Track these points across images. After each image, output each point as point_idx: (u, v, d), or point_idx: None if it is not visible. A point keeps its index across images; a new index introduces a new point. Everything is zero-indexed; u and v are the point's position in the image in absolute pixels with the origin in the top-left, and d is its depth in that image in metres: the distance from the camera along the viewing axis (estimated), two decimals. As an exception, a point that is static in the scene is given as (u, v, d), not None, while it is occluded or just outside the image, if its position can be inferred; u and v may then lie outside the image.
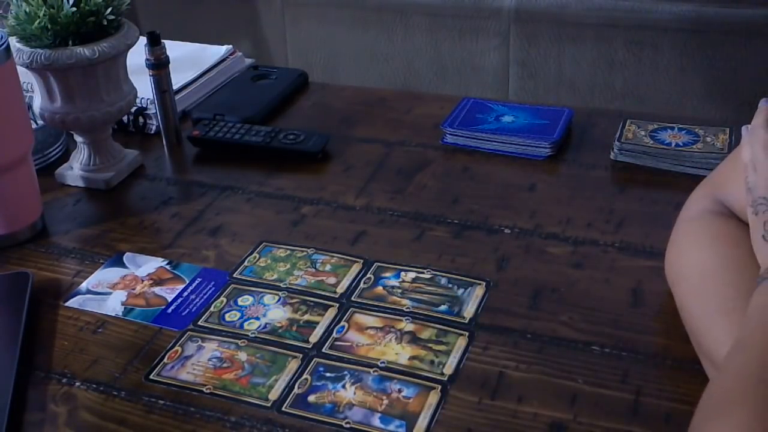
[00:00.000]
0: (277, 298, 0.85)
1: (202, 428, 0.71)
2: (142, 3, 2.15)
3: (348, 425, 0.70)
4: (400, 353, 0.77)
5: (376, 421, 0.70)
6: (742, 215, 0.73)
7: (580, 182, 1.02)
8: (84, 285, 0.89)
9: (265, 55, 2.17)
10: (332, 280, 0.87)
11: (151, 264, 0.91)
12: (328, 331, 0.80)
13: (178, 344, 0.80)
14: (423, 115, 1.20)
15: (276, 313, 0.83)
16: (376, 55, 2.06)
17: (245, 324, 0.81)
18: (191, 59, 1.30)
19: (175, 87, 1.16)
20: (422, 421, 0.70)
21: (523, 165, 1.06)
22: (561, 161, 1.06)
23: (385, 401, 0.72)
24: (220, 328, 0.81)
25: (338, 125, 1.18)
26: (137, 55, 1.06)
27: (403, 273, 0.87)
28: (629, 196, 0.99)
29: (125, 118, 1.18)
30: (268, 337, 0.80)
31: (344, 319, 0.81)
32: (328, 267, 0.89)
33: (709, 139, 1.04)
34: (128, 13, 1.02)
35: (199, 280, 0.88)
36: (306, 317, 0.82)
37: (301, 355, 0.77)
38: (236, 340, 0.79)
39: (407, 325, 0.80)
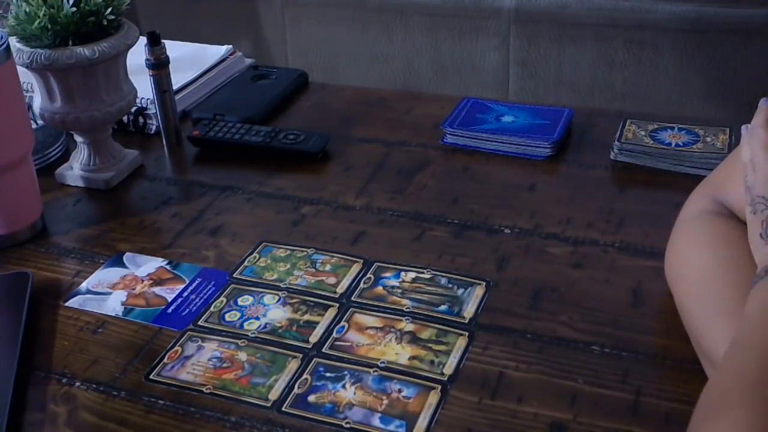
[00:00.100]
0: (277, 298, 0.85)
1: (202, 428, 0.71)
2: (142, 3, 2.15)
3: (348, 425, 0.70)
4: (400, 353, 0.77)
5: (376, 421, 0.70)
6: (741, 215, 0.73)
7: (580, 182, 1.02)
8: (84, 285, 0.89)
9: (265, 55, 2.17)
10: (332, 280, 0.87)
11: (151, 264, 0.91)
12: (328, 331, 0.80)
13: (178, 344, 0.80)
14: (423, 115, 1.20)
15: (276, 313, 0.83)
16: (376, 55, 2.06)
17: (245, 324, 0.81)
18: (191, 59, 1.30)
19: (175, 87, 1.16)
20: (422, 421, 0.70)
21: (523, 165, 1.06)
22: (561, 161, 1.06)
23: (385, 401, 0.72)
24: (220, 328, 0.81)
25: (338, 125, 1.18)
26: (137, 55, 1.06)
27: (403, 273, 0.87)
28: (629, 196, 0.99)
29: (125, 118, 1.18)
30: (268, 337, 0.80)
31: (344, 319, 0.81)
32: (328, 267, 0.89)
33: (709, 139, 1.04)
34: (128, 13, 1.02)
35: (199, 280, 0.88)
36: (306, 317, 0.82)
37: (301, 355, 0.77)
38: (236, 340, 0.79)
39: (407, 325, 0.80)
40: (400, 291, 0.84)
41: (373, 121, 1.20)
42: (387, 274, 0.87)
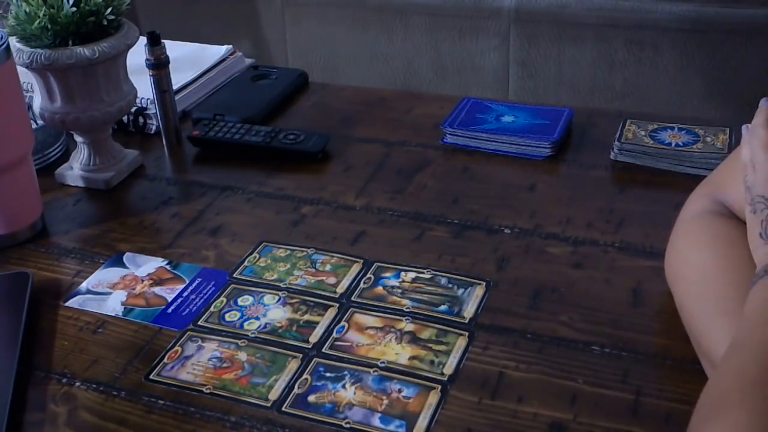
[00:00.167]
0: (277, 298, 0.85)
1: (202, 428, 0.71)
2: (142, 3, 2.15)
3: (348, 425, 0.70)
4: (400, 353, 0.77)
5: (376, 421, 0.70)
6: (741, 215, 0.73)
7: (580, 182, 1.02)
8: (84, 285, 0.89)
9: (265, 55, 2.17)
10: (332, 280, 0.87)
11: (151, 264, 0.91)
12: (328, 331, 0.80)
13: (178, 344, 0.80)
14: (423, 115, 1.20)
15: (276, 313, 0.83)
16: (376, 55, 2.06)
17: (245, 324, 0.81)
18: (191, 59, 1.30)
19: (175, 87, 1.16)
20: (422, 421, 0.70)
21: (523, 165, 1.06)
22: (561, 161, 1.06)
23: (385, 401, 0.72)
24: (220, 328, 0.81)
25: (338, 125, 1.18)
26: (137, 55, 1.06)
27: (403, 273, 0.87)
28: (629, 196, 0.99)
29: (125, 118, 1.18)
30: (268, 337, 0.80)
31: (344, 319, 0.81)
32: (328, 267, 0.89)
33: (709, 139, 1.04)
34: (128, 13, 1.02)
35: (199, 280, 0.88)
36: (306, 317, 0.82)
37: (301, 355, 0.77)
38: (236, 340, 0.79)
39: (407, 325, 0.80)
40: (400, 291, 0.84)
41: (373, 121, 1.20)
42: (387, 274, 0.87)
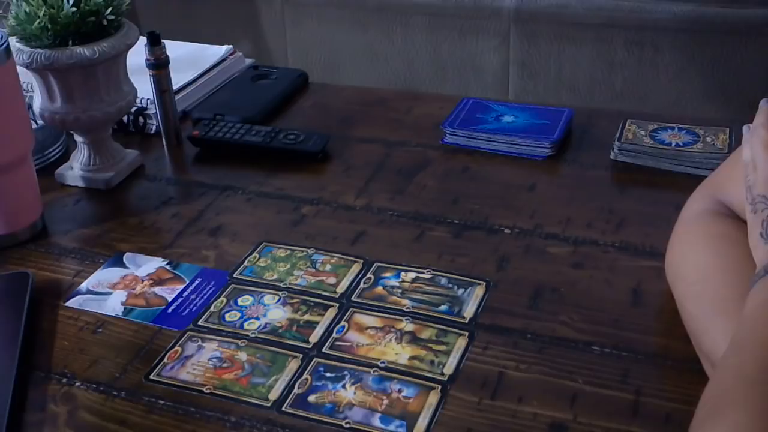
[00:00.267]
0: (277, 298, 0.85)
1: (202, 428, 0.71)
2: (142, 3, 2.15)
3: (348, 425, 0.70)
4: (400, 353, 0.77)
5: (376, 421, 0.70)
6: (742, 215, 0.73)
7: (580, 182, 1.02)
8: (84, 285, 0.89)
9: (265, 55, 2.17)
10: (332, 280, 0.87)
11: (151, 264, 0.91)
12: (328, 331, 0.80)
13: (178, 344, 0.80)
14: (423, 115, 1.20)
15: (276, 313, 0.83)
16: (376, 55, 2.06)
17: (245, 324, 0.81)
18: (191, 59, 1.30)
19: (175, 87, 1.16)
20: (422, 421, 0.70)
21: (523, 165, 1.06)
22: (561, 161, 1.06)
23: (385, 401, 0.72)
24: (220, 328, 0.81)
25: (338, 125, 1.18)
26: (137, 55, 1.06)
27: (403, 273, 0.87)
28: (629, 196, 0.99)
29: (125, 118, 1.18)
30: (268, 337, 0.80)
31: (344, 319, 0.81)
32: (328, 267, 0.89)
33: (709, 139, 1.04)
34: (128, 13, 1.02)
35: (199, 280, 0.88)
36: (306, 317, 0.82)
37: (301, 355, 0.77)
38: (236, 340, 0.79)
39: (407, 325, 0.80)
40: (400, 291, 0.84)
41: (373, 121, 1.20)
42: (387, 274, 0.87)
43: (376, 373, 0.75)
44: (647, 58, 1.83)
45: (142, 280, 0.89)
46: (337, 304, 0.83)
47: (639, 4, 1.79)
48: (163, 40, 1.11)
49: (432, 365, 0.75)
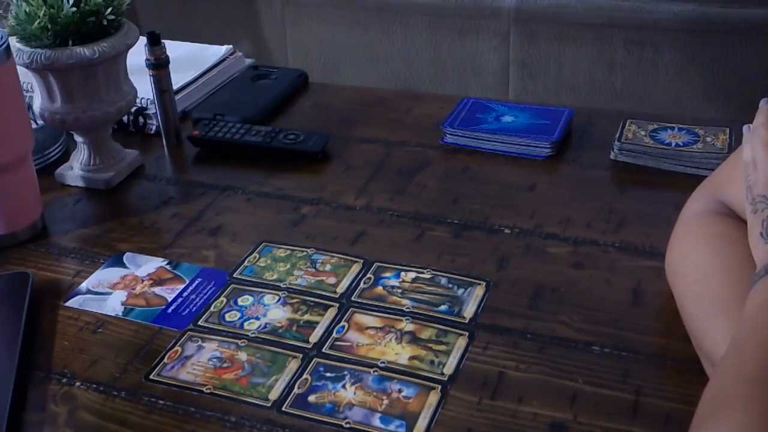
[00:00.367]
0: (277, 298, 0.85)
1: (202, 428, 0.71)
2: (142, 3, 2.15)
3: (348, 425, 0.70)
4: (400, 353, 0.77)
5: (376, 421, 0.70)
6: (742, 215, 0.73)
7: (580, 182, 1.02)
8: (84, 285, 0.89)
9: (265, 55, 2.17)
10: (332, 280, 0.87)
11: (151, 264, 0.91)
12: (328, 331, 0.80)
13: (178, 344, 0.80)
14: (423, 115, 1.20)
15: (276, 313, 0.83)
16: (376, 55, 2.06)
17: (245, 324, 0.81)
18: (191, 59, 1.30)
19: (175, 87, 1.16)
20: (422, 421, 0.70)
21: (523, 165, 1.06)
22: (561, 161, 1.06)
23: (385, 401, 0.72)
24: (220, 328, 0.81)
25: (338, 125, 1.18)
26: (137, 55, 1.06)
27: (403, 273, 0.87)
28: (629, 196, 0.99)
29: (125, 118, 1.18)
30: (268, 337, 0.80)
31: (344, 319, 0.81)
32: (328, 267, 0.89)
33: (709, 139, 1.04)
34: (128, 13, 1.02)
35: (199, 280, 0.88)
36: (306, 317, 0.82)
37: (301, 355, 0.77)
38: (236, 340, 0.79)
39: (407, 325, 0.80)
40: (400, 291, 0.84)
41: (373, 121, 1.20)
42: (387, 274, 0.87)
43: (376, 373, 0.75)
44: (647, 58, 1.83)
45: (142, 280, 0.89)
46: (337, 304, 0.83)
47: (639, 4, 1.79)
48: (163, 40, 1.11)
49: (432, 365, 0.75)
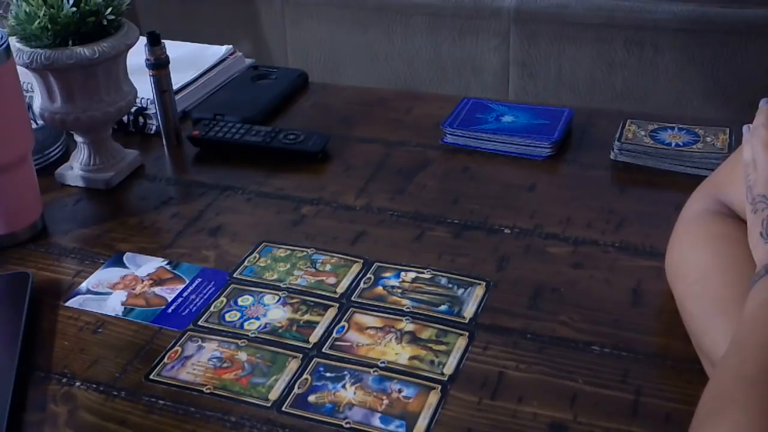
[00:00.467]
0: (277, 298, 0.85)
1: (202, 428, 0.71)
2: (142, 3, 2.15)
3: (348, 425, 0.70)
4: (400, 353, 0.77)
5: (376, 421, 0.70)
6: (742, 215, 0.73)
7: (580, 182, 1.02)
8: (84, 285, 0.89)
9: (265, 55, 2.17)
10: (332, 280, 0.87)
11: (151, 264, 0.91)
12: (328, 331, 0.80)
13: (178, 344, 0.80)
14: (423, 115, 1.20)
15: (276, 313, 0.83)
16: (376, 55, 2.06)
17: (245, 324, 0.81)
18: (191, 59, 1.30)
19: (175, 87, 1.16)
20: (422, 421, 0.70)
21: (523, 165, 1.06)
22: (561, 161, 1.06)
23: (385, 401, 0.72)
24: (220, 328, 0.81)
25: (338, 125, 1.18)
26: (137, 55, 1.06)
27: (403, 273, 0.87)
28: (629, 196, 0.99)
29: (125, 118, 1.18)
30: (268, 337, 0.80)
31: (344, 319, 0.81)
32: (328, 267, 0.89)
33: (709, 139, 1.04)
34: (128, 13, 1.02)
35: (199, 280, 0.88)
36: (306, 317, 0.82)
37: (301, 355, 0.77)
38: (236, 340, 0.79)
39: (407, 325, 0.80)
40: (400, 291, 0.84)
41: (373, 121, 1.20)
42: (387, 274, 0.87)
43: (376, 373, 0.75)
44: (647, 58, 1.83)
45: (142, 280, 0.89)
46: (337, 304, 0.83)
47: (639, 4, 1.79)
48: (163, 40, 1.11)
49: (432, 365, 0.75)
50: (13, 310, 0.83)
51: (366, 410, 0.71)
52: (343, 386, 0.73)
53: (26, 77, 1.00)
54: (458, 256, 0.89)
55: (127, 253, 0.93)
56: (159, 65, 1.11)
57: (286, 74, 1.32)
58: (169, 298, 0.86)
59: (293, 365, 0.76)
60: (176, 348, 0.79)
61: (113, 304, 0.85)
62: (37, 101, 1.02)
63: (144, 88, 1.11)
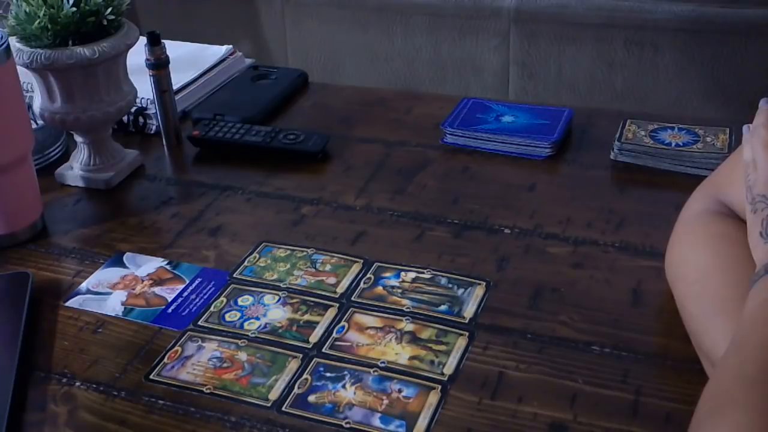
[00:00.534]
0: (277, 298, 0.85)
1: (202, 428, 0.71)
2: (142, 3, 2.15)
3: (348, 425, 0.70)
4: (400, 353, 0.77)
5: (376, 421, 0.70)
6: (742, 215, 0.73)
7: (580, 182, 1.02)
8: (84, 285, 0.89)
9: (265, 55, 2.17)
10: (332, 280, 0.87)
11: (151, 264, 0.91)
12: (328, 331, 0.80)
13: (178, 344, 0.80)
14: (423, 115, 1.20)
15: (276, 313, 0.83)
16: (376, 55, 2.06)
17: (245, 324, 0.81)
18: (191, 59, 1.30)
19: (175, 87, 1.16)
20: (422, 421, 0.70)
21: (523, 165, 1.06)
22: (561, 161, 1.06)
23: (385, 401, 0.72)
24: (220, 328, 0.81)
25: (338, 125, 1.18)
26: (137, 55, 1.06)
27: (403, 273, 0.87)
28: (629, 196, 0.99)
29: (125, 118, 1.18)
30: (268, 337, 0.80)
31: (344, 319, 0.81)
32: (328, 267, 0.89)
33: (709, 139, 1.04)
34: (128, 13, 1.02)
35: (199, 280, 0.88)
36: (306, 317, 0.82)
37: (301, 355, 0.77)
38: (236, 340, 0.79)
39: (407, 325, 0.80)
40: (400, 291, 0.84)
41: (373, 121, 1.20)
42: (387, 274, 0.87)
43: (376, 373, 0.75)
44: (647, 58, 1.83)
45: (142, 280, 0.89)
46: (337, 304, 0.83)
47: (639, 4, 1.79)
48: (163, 40, 1.11)
49: (432, 365, 0.75)
50: (13, 310, 0.83)
51: (366, 410, 0.71)
52: (343, 386, 0.73)
53: (26, 77, 1.00)
54: (458, 256, 0.89)
55: (127, 253, 0.93)
56: (159, 65, 1.11)
57: (286, 74, 1.32)
58: (169, 298, 0.86)
59: (293, 365, 0.76)
60: (176, 348, 0.79)
61: (113, 304, 0.85)
62: (37, 101, 1.02)
63: (144, 88, 1.11)
